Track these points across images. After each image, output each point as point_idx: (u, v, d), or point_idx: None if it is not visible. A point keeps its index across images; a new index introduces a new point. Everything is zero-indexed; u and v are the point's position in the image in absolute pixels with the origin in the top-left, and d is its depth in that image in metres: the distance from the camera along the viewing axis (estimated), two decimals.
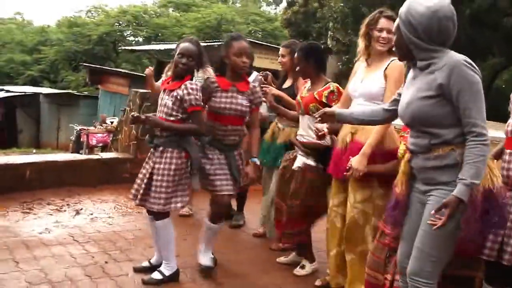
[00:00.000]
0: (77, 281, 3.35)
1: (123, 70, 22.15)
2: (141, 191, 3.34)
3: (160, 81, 4.50)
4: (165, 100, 3.34)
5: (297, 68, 3.79)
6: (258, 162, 3.63)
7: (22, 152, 16.56)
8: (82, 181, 5.82)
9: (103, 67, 22.84)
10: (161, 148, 3.33)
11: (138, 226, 4.63)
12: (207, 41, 17.62)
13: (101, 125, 12.79)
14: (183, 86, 3.29)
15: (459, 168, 2.15)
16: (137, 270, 3.57)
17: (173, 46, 19.16)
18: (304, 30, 18.80)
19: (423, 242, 2.24)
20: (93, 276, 3.46)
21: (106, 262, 3.70)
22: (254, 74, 4.79)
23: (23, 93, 21.82)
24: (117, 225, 4.63)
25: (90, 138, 11.81)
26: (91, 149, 11.69)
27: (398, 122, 3.12)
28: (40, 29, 35.36)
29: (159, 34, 30.05)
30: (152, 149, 3.42)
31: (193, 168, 3.40)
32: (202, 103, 3.38)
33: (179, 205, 3.39)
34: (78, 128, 12.64)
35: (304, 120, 3.68)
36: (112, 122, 12.62)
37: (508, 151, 2.70)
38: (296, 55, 3.84)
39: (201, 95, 3.35)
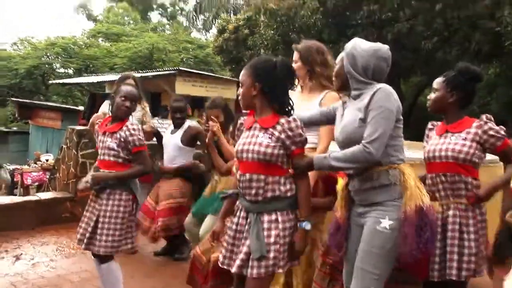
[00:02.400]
0: None
1: (54, 104, 21.52)
2: (87, 235, 3.32)
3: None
4: (108, 143, 3.37)
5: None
6: (308, 227, 2.56)
7: None
8: (20, 224, 5.67)
9: (33, 101, 22.09)
10: (108, 190, 3.33)
11: (83, 268, 4.56)
12: (140, 71, 17.55)
13: (36, 163, 12.37)
14: (124, 128, 3.36)
15: (393, 188, 2.37)
16: None
17: (105, 78, 18.66)
18: (236, 57, 19.08)
19: (363, 262, 2.42)
20: None
21: None
22: (188, 122, 4.86)
23: None
24: (61, 268, 4.55)
25: (24, 178, 11.40)
26: (26, 188, 11.29)
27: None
28: None
29: (90, 65, 29.49)
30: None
31: (136, 208, 3.45)
32: (144, 142, 3.45)
33: (129, 246, 3.40)
34: (11, 167, 12.16)
35: None
36: (47, 160, 12.25)
37: (429, 175, 2.93)
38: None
39: (142, 134, 3.44)
